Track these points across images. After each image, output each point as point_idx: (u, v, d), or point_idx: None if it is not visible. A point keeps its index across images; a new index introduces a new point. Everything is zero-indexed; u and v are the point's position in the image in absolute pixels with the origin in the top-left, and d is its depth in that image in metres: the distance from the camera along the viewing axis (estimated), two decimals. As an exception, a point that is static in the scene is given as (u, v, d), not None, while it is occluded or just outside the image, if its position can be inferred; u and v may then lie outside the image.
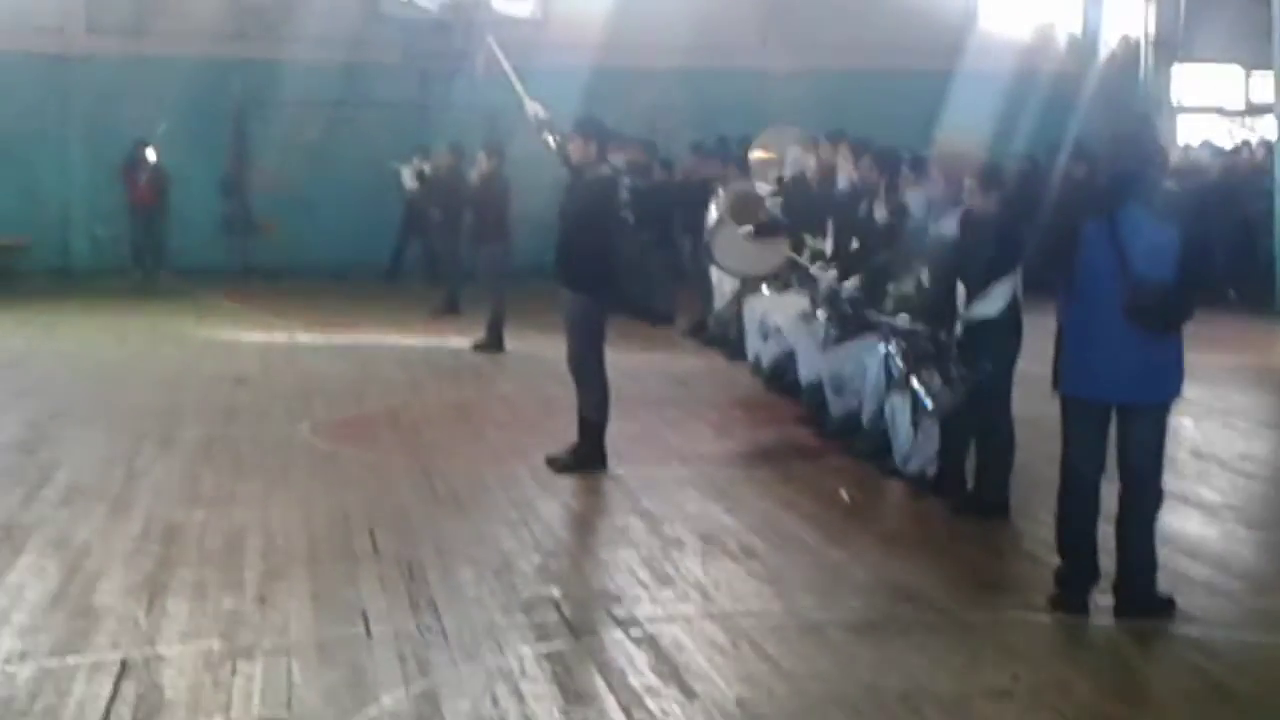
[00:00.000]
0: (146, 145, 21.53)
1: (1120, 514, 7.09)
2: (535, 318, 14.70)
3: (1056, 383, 7.15)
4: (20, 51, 21.83)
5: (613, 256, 10.21)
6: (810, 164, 13.41)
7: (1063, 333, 7.16)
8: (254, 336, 16.80)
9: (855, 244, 11.02)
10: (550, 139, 11.00)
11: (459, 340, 16.07)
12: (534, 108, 11.26)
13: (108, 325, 17.52)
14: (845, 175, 12.34)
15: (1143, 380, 6.94)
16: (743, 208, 13.02)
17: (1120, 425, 7.02)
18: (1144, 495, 7.08)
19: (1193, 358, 15.46)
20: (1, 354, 15.23)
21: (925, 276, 9.52)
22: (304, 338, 16.72)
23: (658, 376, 14.05)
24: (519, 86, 11.99)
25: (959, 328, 8.97)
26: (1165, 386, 7.04)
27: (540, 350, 14.07)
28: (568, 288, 10.20)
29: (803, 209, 12.58)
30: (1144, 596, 7.06)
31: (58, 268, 21.92)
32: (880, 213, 10.66)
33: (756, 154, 14.65)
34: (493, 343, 15.69)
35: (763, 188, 13.50)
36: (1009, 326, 8.91)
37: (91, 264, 22.20)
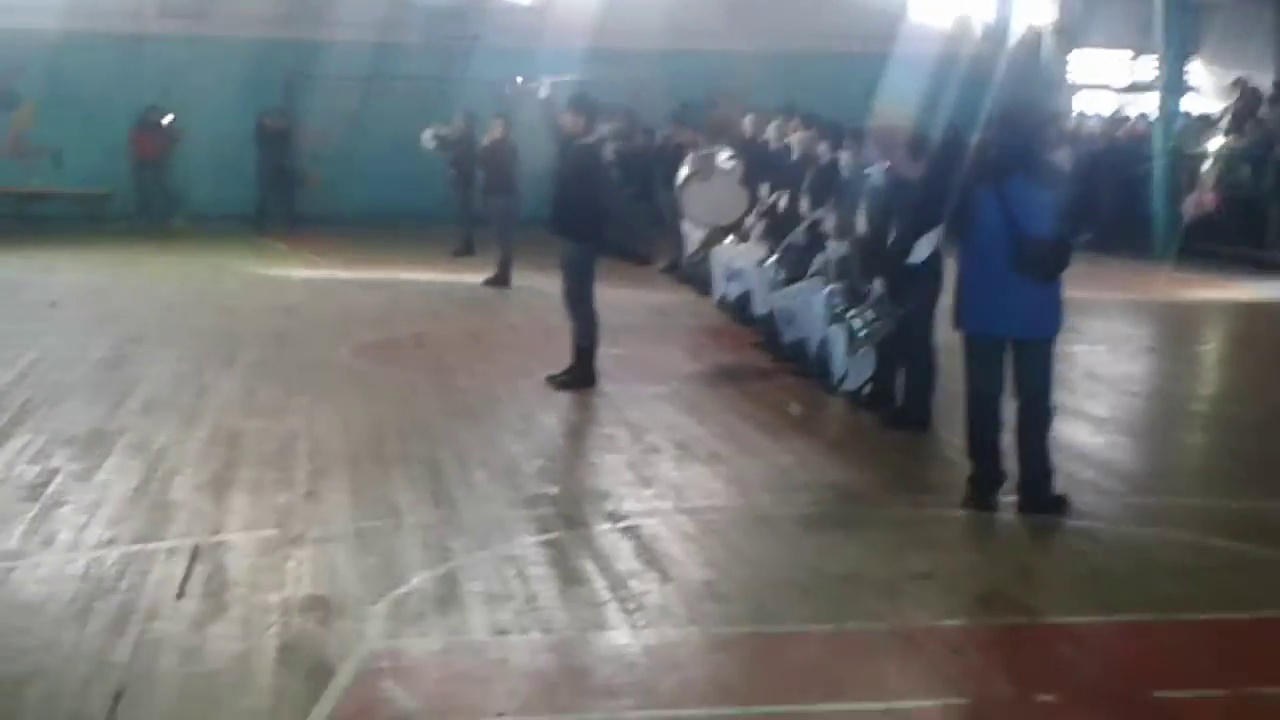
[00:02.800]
0: (157, 110, 21.32)
1: (1018, 428, 7.10)
2: (538, 259, 14.54)
3: (957, 323, 7.21)
4: (101, 32, 21.51)
5: (599, 209, 10.15)
6: (769, 133, 13.33)
7: (961, 280, 7.21)
8: (300, 273, 16.72)
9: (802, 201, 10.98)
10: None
11: (473, 277, 15.98)
12: (548, 86, 11.10)
13: (176, 264, 17.39)
14: (796, 143, 12.24)
15: (1029, 319, 6.97)
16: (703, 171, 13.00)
17: (1014, 357, 7.05)
18: (1036, 413, 7.08)
19: (1087, 295, 15.64)
20: (90, 286, 15.14)
21: (861, 223, 9.51)
22: (342, 274, 16.63)
23: (640, 308, 13.97)
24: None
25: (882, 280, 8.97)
26: (1048, 324, 7.05)
27: (542, 286, 13.93)
28: (562, 236, 10.17)
29: (761, 168, 12.53)
30: (1041, 496, 7.08)
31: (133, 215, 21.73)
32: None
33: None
34: (502, 279, 15.62)
35: (723, 154, 13.37)
36: (931, 271, 8.88)
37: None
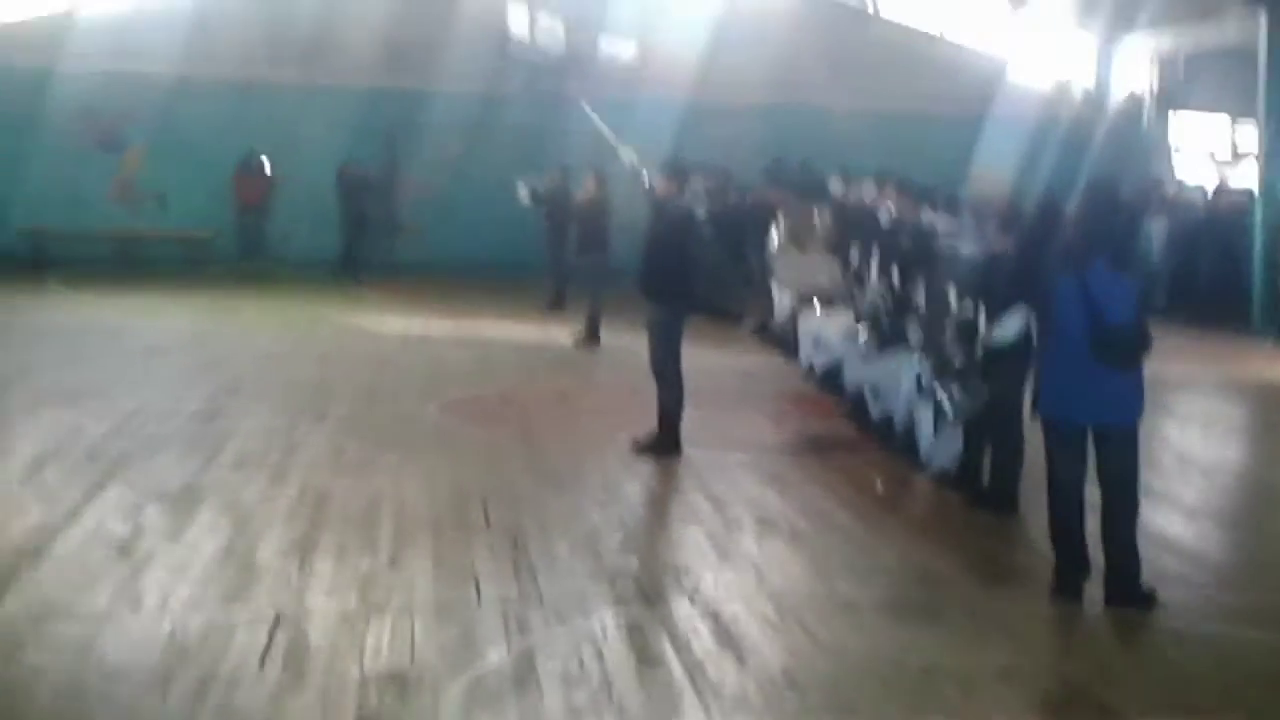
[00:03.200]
0: (259, 156, 21.66)
1: (1103, 518, 7.01)
2: (628, 317, 14.60)
3: (1037, 407, 7.22)
4: (211, 79, 22.00)
5: (688, 274, 10.17)
6: (863, 196, 13.30)
7: (1042, 365, 7.23)
8: (394, 324, 16.88)
9: (893, 271, 10.93)
10: (644, 177, 10.97)
11: (563, 333, 16.07)
12: (628, 155, 11.22)
13: (274, 310, 17.65)
14: (885, 209, 12.20)
15: (1109, 405, 6.93)
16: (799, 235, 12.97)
17: (1096, 444, 7.00)
18: (1122, 503, 7.00)
19: (1183, 370, 15.44)
20: (189, 333, 15.40)
21: (953, 297, 9.44)
22: (435, 326, 16.78)
23: (726, 371, 13.95)
24: (610, 137, 11.98)
25: (979, 348, 8.88)
26: (1129, 411, 7.00)
27: (630, 345, 13.87)
28: (650, 300, 10.20)
29: (852, 233, 12.48)
30: (1128, 589, 6.96)
31: (234, 259, 22.12)
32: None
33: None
34: (591, 338, 15.69)
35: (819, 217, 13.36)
36: (1021, 350, 8.79)
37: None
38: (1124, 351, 6.84)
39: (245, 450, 9.67)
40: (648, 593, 6.95)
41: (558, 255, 18.49)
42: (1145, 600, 6.96)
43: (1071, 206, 9.51)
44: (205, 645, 5.97)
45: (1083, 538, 7.10)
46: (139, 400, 11.19)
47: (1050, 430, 7.15)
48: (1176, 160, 23.92)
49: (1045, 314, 7.30)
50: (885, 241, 11.42)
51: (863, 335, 10.97)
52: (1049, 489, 7.20)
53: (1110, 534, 6.99)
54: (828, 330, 12.22)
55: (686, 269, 10.16)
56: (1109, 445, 6.96)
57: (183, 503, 8.18)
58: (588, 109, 12.81)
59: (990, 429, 8.95)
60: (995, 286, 8.82)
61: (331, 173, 21.81)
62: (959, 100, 23.21)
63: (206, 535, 7.57)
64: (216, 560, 7.13)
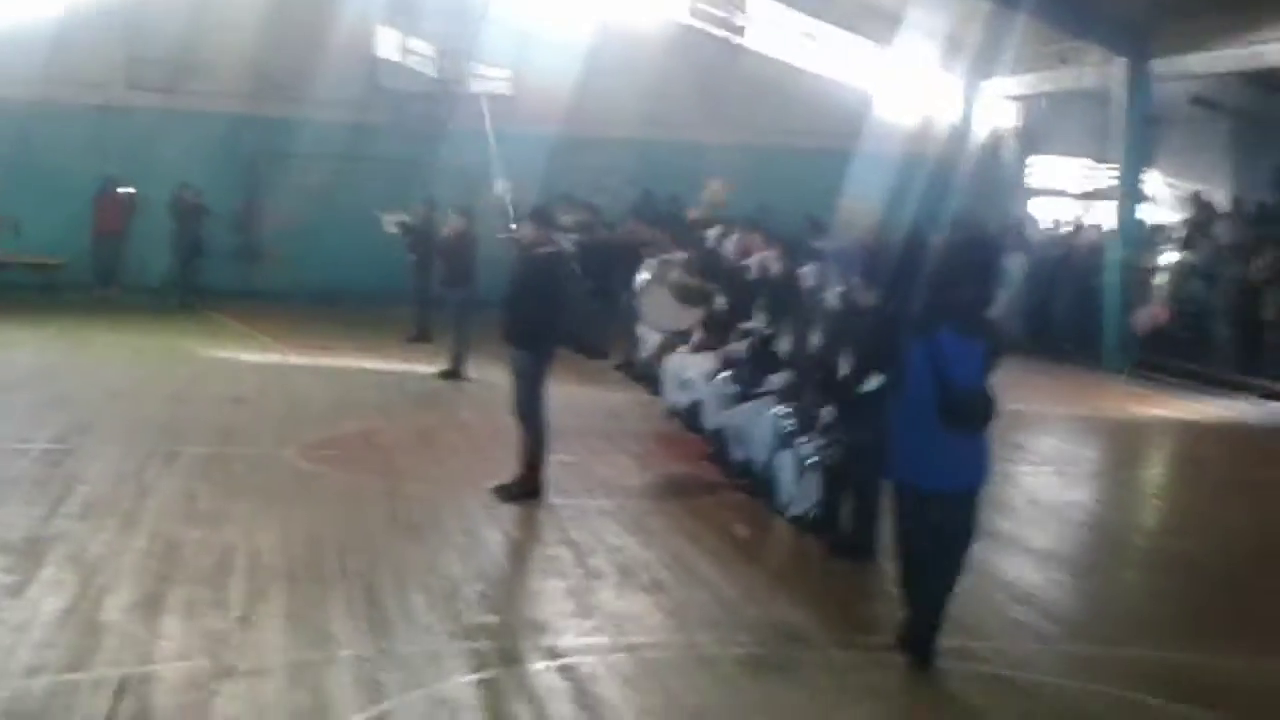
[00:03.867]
0: (119, 183, 21.31)
1: (929, 571, 7.03)
2: (492, 351, 14.51)
3: (888, 471, 7.23)
4: (69, 103, 21.51)
5: (552, 322, 10.16)
6: (729, 244, 13.38)
7: (894, 428, 7.17)
8: (253, 357, 16.62)
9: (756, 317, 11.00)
10: (508, 214, 10.96)
11: (427, 367, 15.94)
12: (502, 186, 11.19)
13: (128, 341, 17.26)
14: (756, 258, 12.29)
15: (956, 471, 6.92)
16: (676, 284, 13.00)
17: (939, 505, 6.96)
18: (950, 564, 7.02)
19: (1037, 408, 15.72)
20: (41, 366, 14.97)
21: (814, 345, 9.55)
22: (295, 359, 16.54)
23: (591, 408, 13.94)
24: (494, 151, 11.96)
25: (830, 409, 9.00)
26: (974, 476, 7.00)
27: (495, 380, 13.80)
28: (513, 346, 10.17)
29: (718, 280, 12.54)
30: (933, 643, 6.99)
31: (89, 286, 21.59)
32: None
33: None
34: (455, 372, 15.59)
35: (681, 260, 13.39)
36: (882, 400, 8.89)
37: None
38: (970, 416, 6.84)
39: (94, 496, 9.42)
40: (506, 651, 6.88)
41: (423, 287, 18.39)
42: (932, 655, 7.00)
43: (935, 245, 9.72)
44: (46, 712, 5.79)
45: (936, 599, 7.07)
46: (-15, 439, 10.87)
47: (900, 493, 7.16)
48: (1036, 199, 24.49)
49: (896, 378, 7.27)
50: (752, 291, 11.48)
51: (726, 379, 11.02)
52: (900, 550, 7.21)
53: (930, 590, 7.01)
54: (690, 371, 12.26)
55: (551, 316, 10.14)
56: (951, 508, 6.96)
57: (27, 555, 7.92)
58: (485, 109, 12.72)
59: (850, 476, 9.04)
60: (857, 337, 8.92)
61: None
62: (828, 133, 23.50)
63: (50, 591, 7.33)
64: (59, 619, 6.92)
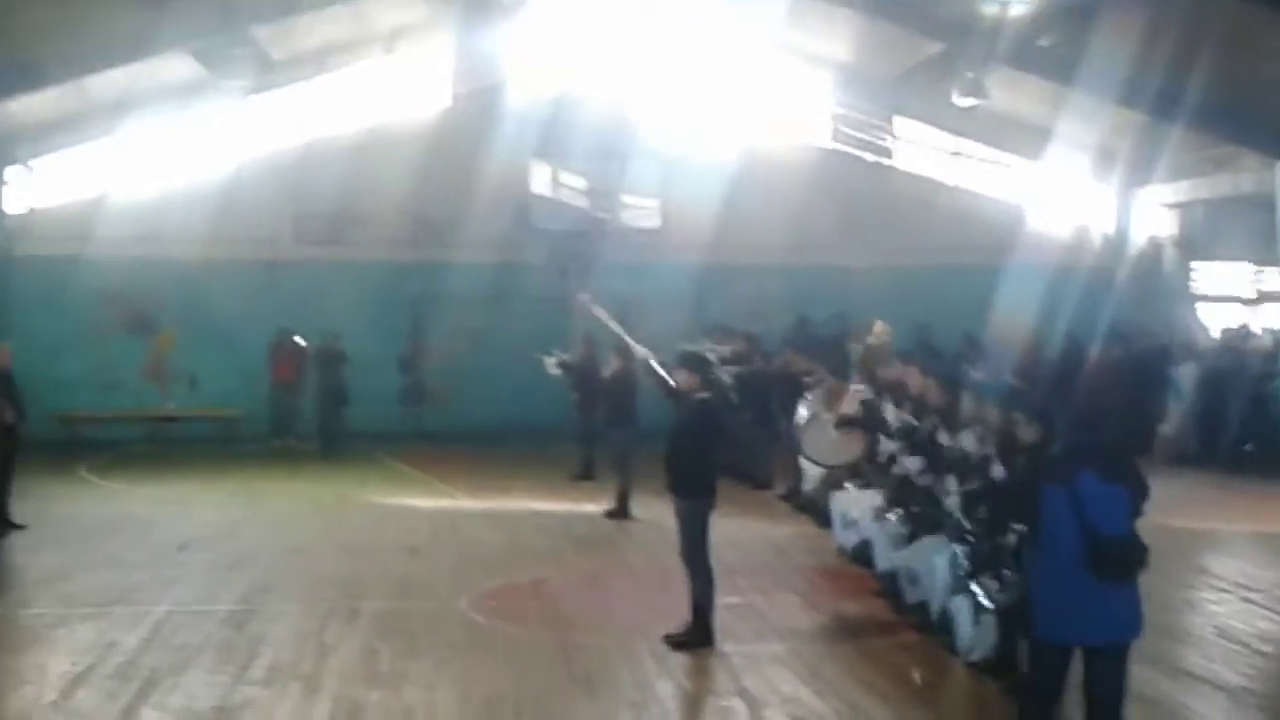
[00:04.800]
0: (293, 333, 21.86)
1: None
2: (656, 487, 14.62)
3: (1031, 626, 6.96)
4: (239, 258, 22.40)
5: (711, 469, 10.21)
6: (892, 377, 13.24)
7: (1034, 581, 6.96)
8: (424, 502, 16.93)
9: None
10: (657, 370, 11.06)
11: (593, 507, 16.06)
12: (642, 351, 11.38)
13: (304, 492, 17.70)
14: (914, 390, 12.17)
15: (1106, 623, 6.70)
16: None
17: (1086, 661, 6.74)
18: None
19: (1215, 526, 15.24)
20: (220, 525, 15.36)
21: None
22: (465, 504, 16.81)
23: (757, 543, 13.95)
24: (618, 329, 12.22)
25: (1013, 536, 8.82)
26: (1126, 628, 6.78)
27: (660, 519, 13.85)
28: (675, 495, 10.23)
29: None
30: None
31: (265, 436, 22.25)
32: (943, 436, 10.48)
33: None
34: (621, 511, 15.69)
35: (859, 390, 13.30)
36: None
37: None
38: (1120, 565, 6.63)
39: (277, 659, 9.62)
40: (686, 818, 6.85)
41: (586, 425, 18.57)
42: None
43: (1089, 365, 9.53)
44: None
45: None
46: (171, 604, 11.21)
47: (1040, 649, 6.89)
48: (1200, 307, 23.94)
49: (1033, 525, 7.06)
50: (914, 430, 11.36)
51: (894, 519, 10.92)
52: (1026, 708, 6.98)
53: None
54: (856, 510, 12.16)
55: (710, 464, 10.20)
56: (1101, 663, 6.72)
57: (215, 727, 8.13)
58: (595, 309, 12.96)
59: (1028, 616, 8.84)
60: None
61: (358, 346, 22.03)
62: (977, 249, 23.38)
63: (240, 767, 7.50)
64: (250, 796, 7.06)
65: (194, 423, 22.14)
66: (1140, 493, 6.81)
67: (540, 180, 23.86)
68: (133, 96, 20.91)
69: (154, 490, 17.60)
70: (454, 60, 23.33)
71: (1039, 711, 6.84)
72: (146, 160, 22.51)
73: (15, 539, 14.14)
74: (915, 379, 11.52)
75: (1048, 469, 7.00)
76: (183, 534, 14.55)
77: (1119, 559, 6.61)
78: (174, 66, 20.28)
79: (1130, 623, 6.75)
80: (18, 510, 14.63)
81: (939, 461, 10.25)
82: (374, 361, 22.53)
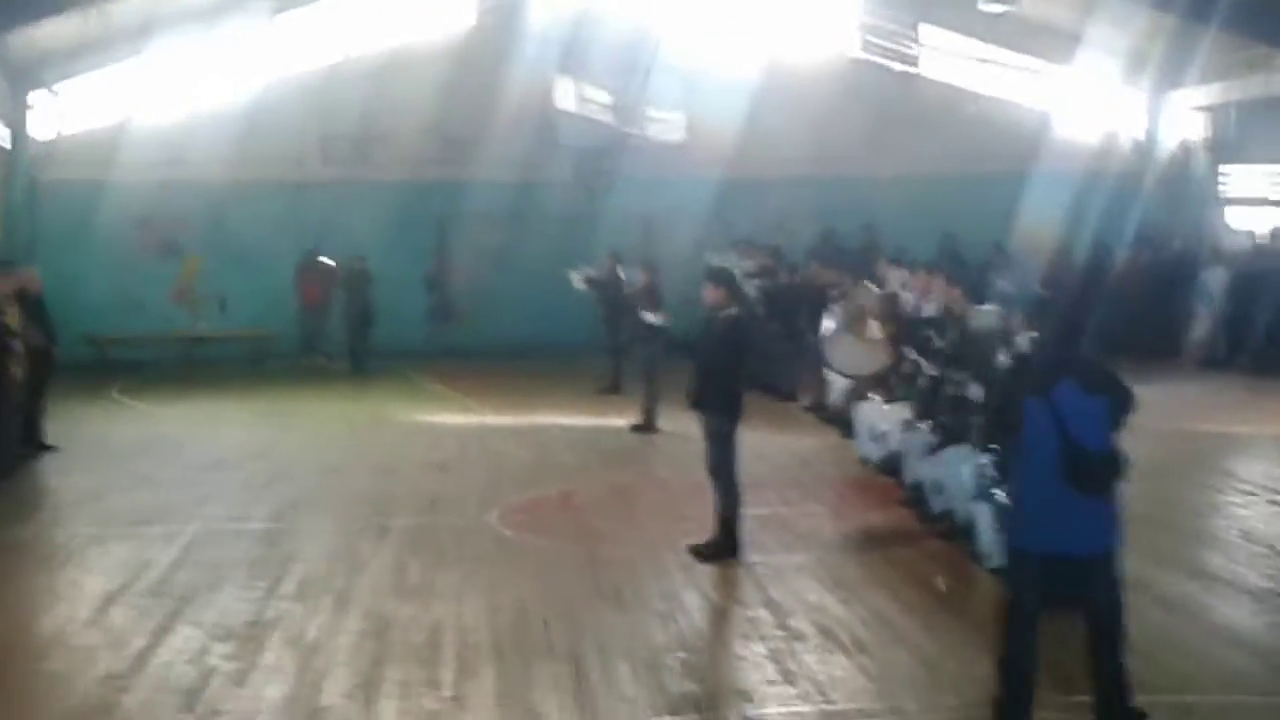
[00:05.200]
0: (319, 254, 21.77)
1: (1091, 651, 6.66)
2: (682, 400, 14.64)
3: (1012, 537, 6.87)
4: (268, 180, 22.39)
5: (738, 386, 10.20)
6: (906, 291, 13.24)
7: (1014, 491, 6.84)
8: (453, 419, 17.02)
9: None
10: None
11: (619, 420, 16.11)
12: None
13: (336, 411, 17.81)
14: (936, 300, 12.14)
15: (1087, 534, 6.54)
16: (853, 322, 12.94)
17: (1078, 575, 6.60)
18: (1111, 635, 6.63)
19: (1242, 429, 15.20)
20: (254, 442, 15.51)
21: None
22: (493, 420, 16.89)
23: (783, 455, 13.99)
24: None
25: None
26: (1107, 537, 6.60)
27: (687, 430, 13.78)
28: (702, 410, 10.25)
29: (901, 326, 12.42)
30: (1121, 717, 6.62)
31: (294, 355, 22.35)
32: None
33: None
34: (648, 425, 15.73)
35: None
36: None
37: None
38: (1099, 478, 6.52)
39: (308, 575, 9.72)
40: (711, 722, 6.92)
41: (613, 339, 18.60)
42: None
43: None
44: (273, 806, 6.00)
45: (1035, 672, 6.69)
46: (203, 522, 11.33)
47: (1020, 560, 6.75)
48: (1231, 210, 23.66)
49: (1015, 436, 6.85)
50: (939, 341, 11.30)
51: (922, 430, 10.91)
52: (1007, 622, 6.76)
53: (1100, 668, 6.64)
54: (884, 423, 12.14)
55: (737, 379, 10.19)
56: (1092, 575, 6.60)
57: (248, 641, 8.21)
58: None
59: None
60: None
61: (384, 265, 22.08)
62: (1005, 156, 23.17)
63: (272, 679, 7.57)
64: (283, 708, 7.16)
65: (223, 343, 22.25)
66: (1122, 404, 6.64)
67: (564, 96, 23.73)
68: (156, 19, 20.84)
69: (185, 411, 17.78)
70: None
71: (1021, 626, 6.67)
72: (171, 84, 22.45)
73: (48, 460, 14.27)
74: (941, 288, 11.45)
75: (1028, 380, 6.89)
76: (213, 454, 14.68)
77: (1098, 472, 6.49)
78: (197, -12, 20.20)
79: (1108, 533, 6.61)
80: (50, 431, 14.75)
81: (962, 366, 10.22)
82: (400, 280, 22.66)
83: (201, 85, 22.53)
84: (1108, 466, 6.53)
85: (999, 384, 8.24)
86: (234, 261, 22.18)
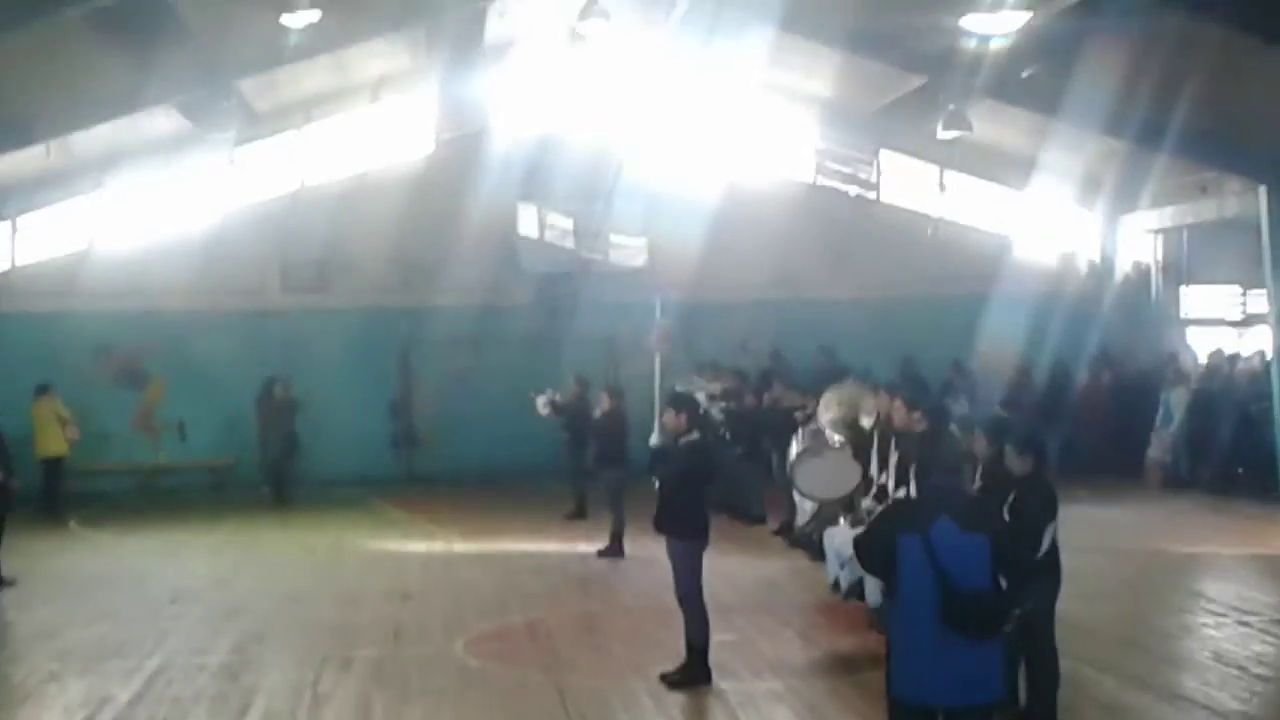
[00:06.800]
0: (279, 380, 21.70)
1: None
2: (649, 525, 14.55)
3: (889, 686, 6.40)
4: (227, 310, 22.41)
5: (702, 509, 10.21)
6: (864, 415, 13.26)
7: (891, 637, 6.49)
8: (417, 547, 16.88)
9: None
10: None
11: (586, 546, 16.03)
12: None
13: (296, 540, 17.59)
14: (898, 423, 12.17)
15: (965, 684, 6.16)
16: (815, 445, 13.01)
17: None
18: None
19: (1209, 551, 15.26)
20: (211, 575, 15.32)
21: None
22: (458, 546, 16.78)
23: (751, 580, 13.94)
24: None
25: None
26: (986, 688, 6.25)
27: (655, 555, 13.71)
28: (668, 536, 10.23)
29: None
30: None
31: (256, 484, 22.16)
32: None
33: (828, 413, 13.95)
34: (615, 550, 15.66)
35: (834, 438, 13.33)
36: (1049, 566, 8.77)
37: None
38: (978, 621, 6.11)
39: (270, 710, 9.56)
40: None
41: (578, 465, 18.57)
42: None
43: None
44: None
45: None
46: (164, 657, 11.15)
47: (898, 711, 6.35)
48: (1188, 331, 24.01)
49: (888, 576, 6.47)
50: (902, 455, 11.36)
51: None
52: None
53: None
54: (851, 547, 12.08)
55: (700, 504, 10.20)
56: None
57: (210, 781, 8.06)
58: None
59: (1023, 647, 8.83)
60: (1016, 506, 8.81)
61: (348, 392, 22.06)
62: (964, 278, 23.42)
63: (235, 818, 7.43)
64: None
65: (185, 473, 22.07)
66: (1004, 541, 6.34)
67: (526, 222, 23.88)
68: (118, 151, 20.97)
69: (144, 542, 17.53)
70: (438, 106, 23.37)
71: None
72: (133, 213, 22.52)
73: (6, 595, 14.05)
74: (899, 412, 11.50)
75: (902, 515, 6.59)
76: (174, 585, 14.48)
77: (976, 614, 6.10)
78: (159, 121, 20.31)
79: (988, 684, 6.27)
80: (7, 565, 14.53)
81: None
82: (364, 407, 22.58)
83: (162, 215, 22.59)
84: (987, 608, 6.16)
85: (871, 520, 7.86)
86: (195, 390, 22.06)
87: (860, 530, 7.95)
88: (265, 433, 21.53)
